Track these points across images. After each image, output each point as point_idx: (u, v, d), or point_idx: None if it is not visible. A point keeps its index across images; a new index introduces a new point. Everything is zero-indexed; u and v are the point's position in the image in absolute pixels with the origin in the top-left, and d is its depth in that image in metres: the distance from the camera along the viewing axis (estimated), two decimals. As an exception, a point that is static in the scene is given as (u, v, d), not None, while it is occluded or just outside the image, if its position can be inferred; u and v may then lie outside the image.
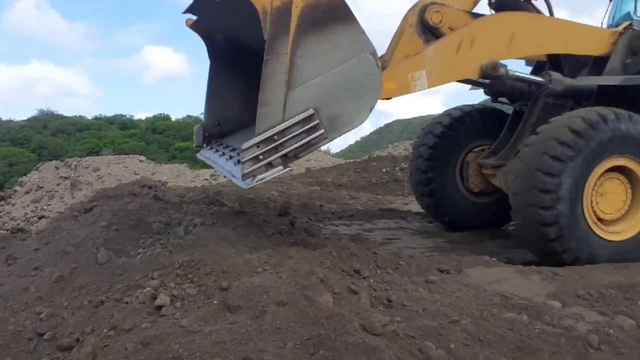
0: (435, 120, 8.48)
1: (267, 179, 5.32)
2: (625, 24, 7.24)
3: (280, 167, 5.23)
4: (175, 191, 9.37)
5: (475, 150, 8.10)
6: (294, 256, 4.55)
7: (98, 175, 21.00)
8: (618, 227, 6.17)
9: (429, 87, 6.31)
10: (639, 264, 5.81)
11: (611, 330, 3.67)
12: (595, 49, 7.02)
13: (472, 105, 8.46)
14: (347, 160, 18.90)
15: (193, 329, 3.52)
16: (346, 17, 5.28)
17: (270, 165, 5.19)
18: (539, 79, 6.92)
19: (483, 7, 7.19)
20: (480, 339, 3.56)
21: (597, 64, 7.11)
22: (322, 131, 5.22)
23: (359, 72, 5.29)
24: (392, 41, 6.79)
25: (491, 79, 6.89)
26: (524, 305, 4.21)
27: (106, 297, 4.27)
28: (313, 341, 3.29)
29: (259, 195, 9.54)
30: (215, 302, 3.91)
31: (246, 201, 8.79)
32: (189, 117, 77.87)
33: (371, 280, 4.60)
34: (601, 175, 6.10)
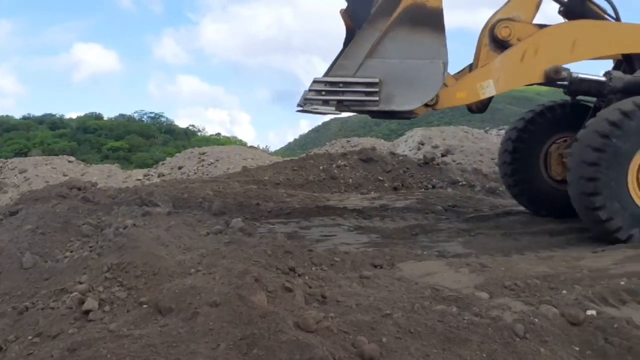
0: (521, 116, 9.28)
1: (318, 110, 6.60)
2: None
3: (333, 109, 6.45)
4: (106, 192, 9.15)
5: (558, 141, 8.69)
6: (228, 256, 4.53)
7: (25, 177, 20.31)
8: None
9: (497, 93, 7.30)
10: (560, 255, 6.10)
11: (536, 320, 3.77)
12: None
13: (555, 101, 9.10)
14: (285, 159, 18.90)
15: (122, 333, 3.44)
16: (438, 26, 6.49)
17: (326, 103, 6.38)
18: (601, 78, 7.45)
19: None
20: (411, 331, 3.62)
21: None
22: (376, 98, 6.31)
23: (426, 72, 6.42)
24: (467, 67, 7.76)
25: (556, 81, 7.50)
26: (454, 297, 4.31)
27: (31, 302, 4.12)
28: (246, 341, 3.27)
29: (193, 195, 9.42)
30: (145, 305, 3.83)
31: (180, 201, 8.68)
32: (121, 115, 76.15)
33: (306, 278, 4.62)
34: None
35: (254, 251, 4.85)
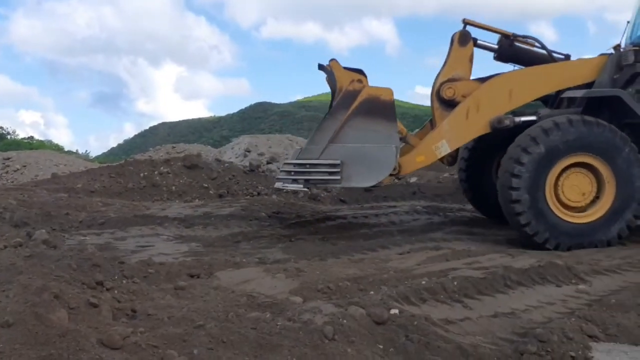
0: None
1: (288, 187, 8.08)
2: (615, 45, 8.29)
3: (301, 186, 7.67)
4: None
5: None
6: (25, 271, 4.18)
7: None
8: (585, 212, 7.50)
9: (450, 149, 8.05)
10: (370, 257, 6.46)
11: (344, 321, 3.85)
12: (586, 77, 8.13)
13: None
14: (101, 165, 18.01)
15: None
16: (390, 116, 7.54)
17: (295, 181, 7.52)
18: (531, 118, 8.00)
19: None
20: (224, 340, 3.60)
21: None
22: (338, 177, 7.31)
23: (381, 155, 7.38)
24: (428, 123, 8.73)
25: (500, 129, 7.96)
26: (269, 303, 4.37)
27: None
28: (42, 363, 3.05)
29: (-8, 205, 8.62)
30: None
31: (-24, 213, 7.91)
32: None
33: (115, 292, 4.41)
34: (564, 169, 7.37)
35: (56, 265, 4.53)
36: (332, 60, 7.83)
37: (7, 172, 18.33)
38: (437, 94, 8.27)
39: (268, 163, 16.56)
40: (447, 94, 8.18)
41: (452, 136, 7.97)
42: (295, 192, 12.59)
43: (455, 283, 4.88)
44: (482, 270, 5.56)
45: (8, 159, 19.85)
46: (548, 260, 5.75)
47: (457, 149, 8.56)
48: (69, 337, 3.25)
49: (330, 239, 7.83)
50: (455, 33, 8.40)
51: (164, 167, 13.15)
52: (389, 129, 7.47)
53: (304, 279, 5.13)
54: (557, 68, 8.51)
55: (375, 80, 8.32)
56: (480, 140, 9.01)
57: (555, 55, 8.81)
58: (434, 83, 8.34)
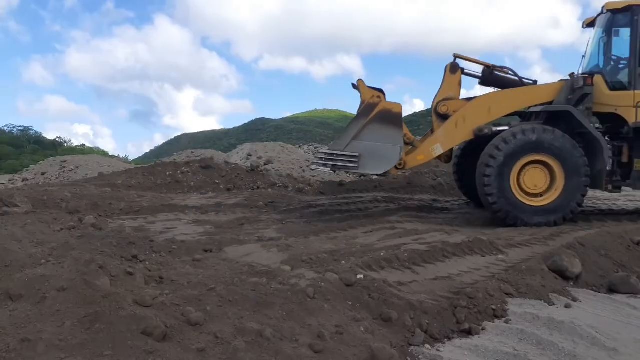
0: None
1: (320, 169, 8.78)
2: (570, 73, 8.38)
3: (328, 170, 8.11)
4: (-33, 196, 7.87)
5: None
6: (77, 248, 4.13)
7: None
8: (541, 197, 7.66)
9: (443, 151, 8.24)
10: (342, 235, 6.44)
11: (322, 284, 3.88)
12: (547, 98, 8.23)
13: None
14: (137, 165, 17.77)
15: (-28, 320, 2.98)
16: (398, 123, 7.84)
17: (324, 165, 7.82)
18: (504, 128, 8.18)
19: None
20: (230, 300, 3.57)
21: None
22: (356, 166, 7.57)
23: (388, 153, 7.66)
24: (429, 131, 8.84)
25: (481, 136, 8.11)
26: (265, 271, 4.35)
27: None
28: (89, 318, 2.99)
29: (52, 197, 8.44)
30: (-3, 293, 3.35)
31: (39, 202, 7.74)
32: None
33: (147, 263, 4.37)
34: (525, 165, 7.57)
35: (101, 243, 4.48)
36: (359, 80, 8.08)
37: (63, 172, 17.97)
38: (435, 110, 8.50)
39: (265, 164, 16.42)
40: (442, 110, 8.40)
41: (444, 140, 8.21)
42: (286, 186, 12.57)
43: (406, 254, 4.91)
44: (426, 244, 5.60)
45: (64, 161, 19.48)
46: (475, 237, 5.79)
47: (452, 151, 8.83)
48: (111, 298, 3.20)
49: (312, 221, 7.81)
50: (447, 64, 8.60)
51: (185, 168, 13.00)
52: (396, 133, 7.77)
53: (291, 253, 5.12)
54: (525, 90, 8.59)
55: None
56: (469, 144, 9.21)
57: (525, 80, 8.91)
58: (433, 102, 8.58)
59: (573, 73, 8.44)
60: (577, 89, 8.05)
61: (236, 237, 6.31)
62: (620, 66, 8.32)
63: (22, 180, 17.44)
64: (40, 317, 3.01)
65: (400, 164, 7.97)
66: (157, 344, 2.85)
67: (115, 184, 11.01)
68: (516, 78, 8.87)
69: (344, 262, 4.74)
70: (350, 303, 3.74)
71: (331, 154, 7.71)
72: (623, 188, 8.56)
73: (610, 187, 8.14)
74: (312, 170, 7.96)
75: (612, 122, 8.29)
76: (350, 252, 5.22)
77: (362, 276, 4.04)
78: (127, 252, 4.43)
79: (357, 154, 7.54)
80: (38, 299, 3.19)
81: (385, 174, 8.12)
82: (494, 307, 3.92)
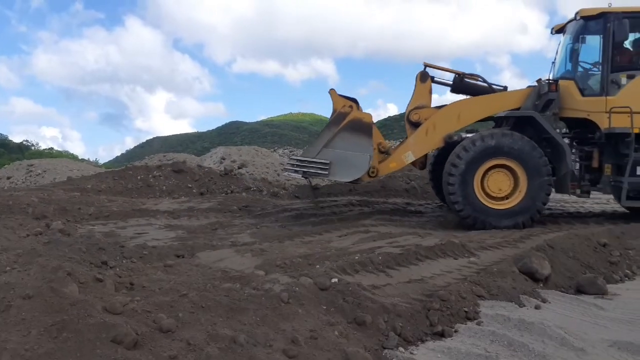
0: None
1: (291, 175, 8.60)
2: (538, 79, 8.48)
3: (299, 175, 8.12)
4: None
5: None
6: (44, 254, 4.01)
7: None
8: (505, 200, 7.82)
9: (414, 158, 8.40)
10: (317, 239, 6.43)
11: (297, 288, 3.85)
12: (515, 104, 8.36)
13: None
14: (107, 169, 17.42)
15: None
16: (368, 133, 7.89)
17: (296, 172, 7.97)
18: (470, 135, 8.29)
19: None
20: (203, 306, 3.52)
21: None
22: (327, 172, 7.74)
23: (358, 161, 7.79)
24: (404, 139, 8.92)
25: (451, 143, 8.19)
26: (238, 276, 4.30)
27: None
28: (56, 326, 2.90)
29: (17, 202, 8.18)
30: (-43, 303, 3.22)
31: (4, 207, 7.51)
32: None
33: (117, 269, 4.27)
34: (489, 170, 7.73)
35: (69, 249, 4.37)
36: (331, 89, 8.29)
37: (30, 176, 17.48)
38: (407, 118, 8.66)
39: (239, 168, 16.32)
40: (413, 118, 8.56)
41: (415, 148, 8.37)
42: (260, 190, 12.51)
43: (380, 258, 4.93)
44: (399, 247, 5.64)
45: (31, 165, 18.95)
46: (448, 240, 5.86)
47: (426, 158, 9.01)
48: (79, 305, 3.12)
49: (287, 225, 7.80)
50: (418, 73, 8.77)
51: (157, 172, 12.81)
52: (366, 142, 7.86)
53: (266, 257, 5.09)
54: (494, 97, 8.70)
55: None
56: (442, 151, 9.26)
57: (495, 87, 9.02)
58: (406, 110, 8.73)
59: (540, 79, 8.65)
60: (542, 94, 8.21)
61: (209, 242, 6.24)
62: (593, 72, 8.44)
63: (-14, 185, 16.86)
64: (5, 326, 2.91)
65: (372, 172, 8.15)
66: (128, 352, 2.80)
67: (84, 188, 10.77)
68: (486, 85, 9.00)
69: (318, 266, 4.74)
70: (324, 307, 3.72)
71: (303, 160, 7.92)
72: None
73: (578, 191, 8.27)
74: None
75: (584, 128, 8.48)
76: (324, 256, 5.22)
77: (336, 280, 4.02)
78: (97, 258, 4.33)
79: (328, 162, 7.74)
80: (2, 307, 3.08)
81: (357, 181, 8.27)
82: (466, 309, 3.97)
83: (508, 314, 3.95)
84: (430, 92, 8.81)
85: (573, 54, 8.61)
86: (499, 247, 6.13)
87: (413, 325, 3.67)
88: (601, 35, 8.17)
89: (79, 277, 3.61)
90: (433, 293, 4.15)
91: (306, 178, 8.14)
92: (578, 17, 8.46)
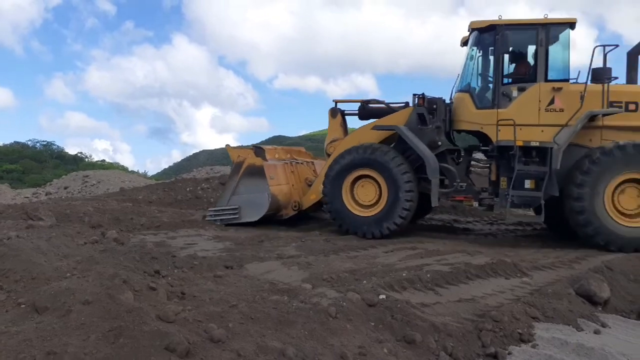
0: None
1: (212, 220, 9.13)
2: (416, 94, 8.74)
3: (218, 221, 9.03)
4: (-7, 208, 8.05)
5: None
6: (101, 262, 4.17)
7: None
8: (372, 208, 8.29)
9: None
10: (363, 255, 6.38)
11: (344, 303, 3.84)
12: (403, 121, 8.59)
13: None
14: (157, 181, 17.99)
15: (0, 331, 3.02)
16: (263, 175, 8.87)
17: (215, 220, 9.02)
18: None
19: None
20: (252, 317, 3.56)
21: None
22: (237, 216, 8.99)
23: (259, 201, 8.89)
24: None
25: None
26: (286, 289, 4.33)
27: None
28: (114, 332, 3.00)
29: (75, 211, 8.56)
30: (23, 305, 3.40)
31: (62, 216, 7.86)
32: (16, 142, 67.43)
33: (169, 279, 4.38)
34: (355, 179, 8.37)
35: (124, 257, 4.51)
36: (226, 145, 9.77)
37: (85, 186, 18.30)
38: (326, 152, 9.45)
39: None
40: (329, 150, 9.30)
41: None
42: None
43: (429, 275, 4.85)
44: (448, 265, 5.52)
45: (87, 176, 19.85)
46: (499, 259, 5.70)
47: None
48: (134, 313, 3.21)
49: (331, 240, 7.77)
50: (329, 109, 9.64)
51: (205, 184, 13.12)
52: (263, 183, 8.86)
53: (312, 271, 5.09)
54: (385, 119, 8.92)
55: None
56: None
57: (393, 106, 9.28)
58: (325, 144, 9.59)
59: (415, 95, 8.77)
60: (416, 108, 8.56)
61: (256, 253, 6.29)
62: (486, 85, 8.37)
63: (46, 194, 17.78)
64: (66, 330, 3.03)
65: (295, 205, 9.27)
66: (180, 361, 2.85)
67: (136, 199, 11.15)
68: (384, 106, 9.41)
69: (365, 281, 4.70)
70: (372, 324, 3.69)
71: (217, 210, 9.18)
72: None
73: (476, 204, 8.33)
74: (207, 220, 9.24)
75: (484, 140, 8.40)
76: (371, 271, 5.17)
77: (384, 296, 3.99)
78: (150, 267, 4.46)
79: (237, 207, 9.03)
80: (63, 312, 3.22)
81: (281, 217, 9.24)
82: (520, 331, 3.83)
83: (565, 337, 3.78)
84: (342, 125, 9.61)
85: (469, 67, 8.59)
86: (553, 268, 5.91)
87: (464, 346, 3.57)
88: (492, 48, 8.15)
89: (133, 285, 3.73)
90: (485, 313, 4.04)
91: (222, 223, 8.99)
92: (470, 29, 8.45)
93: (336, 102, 9.73)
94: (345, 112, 9.70)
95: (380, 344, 3.41)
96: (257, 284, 4.50)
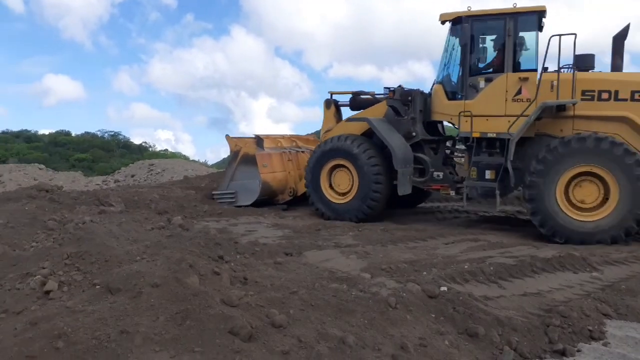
0: None
1: (217, 202, 9.90)
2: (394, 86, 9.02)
3: (225, 205, 9.57)
4: (70, 194, 8.57)
5: None
6: (168, 247, 4.34)
7: (0, 181, 18.70)
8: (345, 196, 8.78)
9: None
10: (422, 246, 6.28)
11: (404, 294, 3.81)
12: (382, 113, 8.93)
13: None
14: (219, 170, 18.50)
15: (77, 309, 3.21)
16: (256, 163, 9.50)
17: (218, 202, 9.77)
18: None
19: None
20: (312, 304, 3.59)
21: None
22: (234, 199, 9.83)
23: (252, 187, 9.65)
24: None
25: None
26: (345, 277, 4.34)
27: (-1, 285, 3.77)
28: (181, 314, 3.13)
29: (142, 198, 8.98)
30: (98, 286, 3.60)
31: (131, 202, 8.26)
32: (86, 133, 71.57)
33: (232, 264, 4.50)
34: (331, 169, 8.85)
35: (190, 243, 4.67)
36: (226, 135, 10.33)
37: (151, 174, 19.13)
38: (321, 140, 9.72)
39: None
40: (323, 140, 9.45)
41: None
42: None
43: (492, 268, 4.72)
44: (512, 258, 5.35)
45: (152, 164, 20.74)
46: (567, 252, 5.46)
47: None
48: (200, 296, 3.33)
49: (389, 230, 7.71)
50: (324, 101, 10.09)
51: (263, 173, 13.31)
52: (255, 171, 9.53)
53: (370, 260, 5.08)
54: (366, 111, 9.24)
55: None
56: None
57: (379, 97, 9.54)
58: (321, 133, 10.03)
59: (387, 88, 9.02)
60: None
61: (314, 242, 6.35)
62: (456, 76, 8.31)
63: (114, 182, 18.76)
64: (137, 310, 3.19)
65: (291, 192, 10.01)
66: (243, 344, 2.93)
67: (199, 187, 11.50)
68: (371, 97, 9.76)
69: (425, 272, 4.64)
70: (433, 315, 3.64)
71: (219, 193, 10.03)
72: None
73: (453, 192, 8.45)
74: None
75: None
76: (431, 262, 5.09)
77: (445, 288, 3.93)
78: (214, 253, 4.59)
79: (234, 192, 9.88)
80: (134, 293, 3.39)
81: (280, 204, 9.89)
82: (590, 327, 3.65)
83: (640, 337, 3.57)
84: (336, 116, 10.02)
85: (444, 58, 8.54)
86: (626, 263, 5.59)
87: (530, 341, 3.45)
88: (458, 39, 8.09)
89: (199, 270, 3.86)
90: (552, 308, 3.88)
91: (226, 205, 9.65)
92: (440, 21, 8.31)
93: (331, 93, 10.22)
94: (339, 103, 10.16)
95: (441, 336, 3.35)
96: (317, 272, 4.54)
